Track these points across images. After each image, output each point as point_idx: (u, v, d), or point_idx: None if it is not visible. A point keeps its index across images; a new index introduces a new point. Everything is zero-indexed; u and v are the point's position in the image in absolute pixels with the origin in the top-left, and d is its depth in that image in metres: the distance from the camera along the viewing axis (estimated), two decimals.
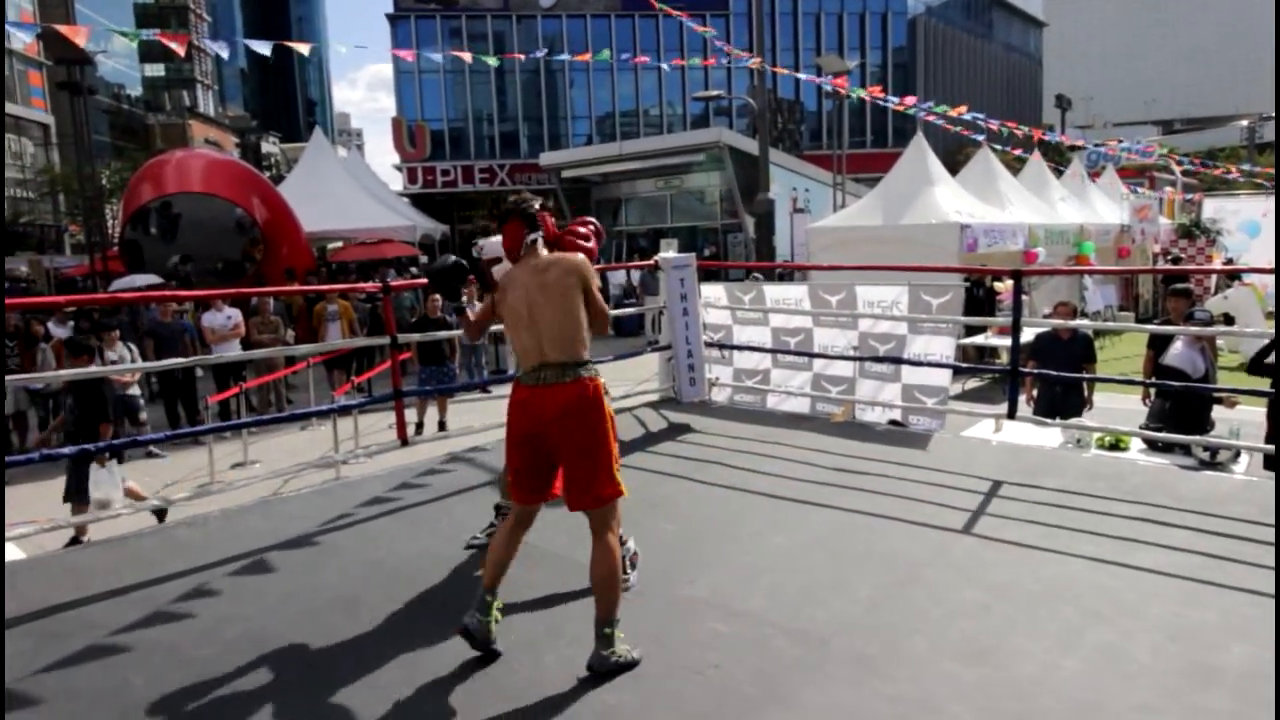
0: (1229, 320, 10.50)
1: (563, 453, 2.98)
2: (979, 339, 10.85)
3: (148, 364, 8.21)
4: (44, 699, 2.81)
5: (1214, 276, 15.18)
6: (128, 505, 5.60)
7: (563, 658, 2.95)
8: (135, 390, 9.52)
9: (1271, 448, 4.91)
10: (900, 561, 3.71)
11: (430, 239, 24.17)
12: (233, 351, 9.92)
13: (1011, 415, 5.48)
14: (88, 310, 11.83)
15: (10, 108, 34.80)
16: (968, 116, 13.93)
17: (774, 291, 7.24)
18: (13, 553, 4.50)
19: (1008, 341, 6.08)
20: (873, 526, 4.14)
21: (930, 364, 6.19)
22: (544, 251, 3.14)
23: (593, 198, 31.08)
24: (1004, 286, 11.59)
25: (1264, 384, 5.64)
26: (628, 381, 7.81)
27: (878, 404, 6.59)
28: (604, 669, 2.83)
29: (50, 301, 8.02)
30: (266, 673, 2.95)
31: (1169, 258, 16.36)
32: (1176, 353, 6.14)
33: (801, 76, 19.00)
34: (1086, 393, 7.20)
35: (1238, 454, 5.69)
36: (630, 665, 2.87)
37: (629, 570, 3.51)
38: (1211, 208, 18.28)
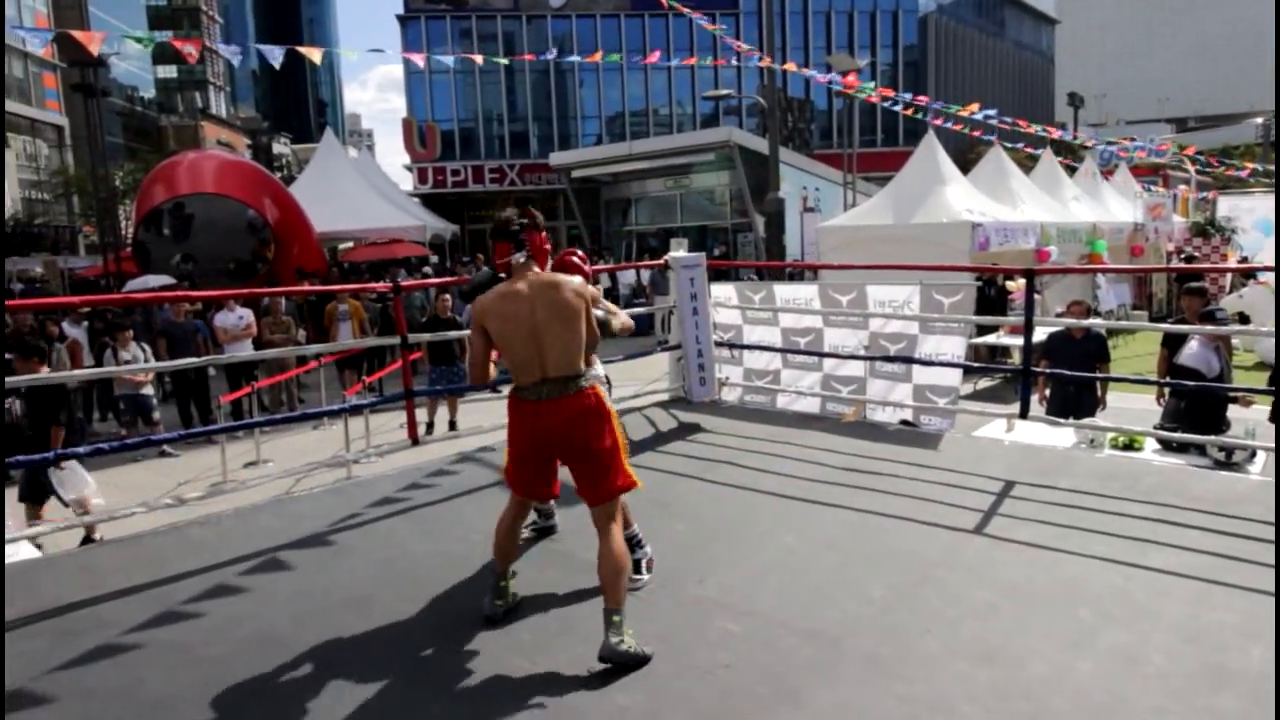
0: (1244, 319, 10.42)
1: (575, 458, 3.14)
2: (991, 338, 10.79)
3: (161, 364, 8.27)
4: (57, 697, 2.83)
5: (1229, 275, 15.05)
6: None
7: (574, 656, 2.95)
8: (149, 390, 9.62)
9: None
10: (912, 562, 3.70)
11: (440, 239, 24.24)
12: (245, 351, 9.98)
13: (1024, 415, 5.45)
14: (101, 310, 11.92)
15: (25, 110, 35.12)
16: (979, 115, 13.86)
17: (784, 291, 7.22)
18: (29, 551, 4.54)
19: (1020, 341, 6.04)
20: (884, 526, 4.12)
21: (942, 364, 6.17)
22: (535, 269, 3.19)
23: (602, 197, 31.11)
24: (1016, 285, 11.54)
25: None
26: (637, 381, 7.79)
27: (889, 404, 6.56)
28: (615, 658, 2.84)
29: (63, 302, 8.08)
30: (278, 671, 2.96)
31: (1183, 256, 16.22)
32: (1191, 352, 6.09)
33: (811, 75, 18.88)
34: (1100, 392, 7.16)
35: (1254, 454, 5.64)
36: (642, 661, 2.89)
37: (644, 573, 3.53)
38: (1226, 206, 18.14)
